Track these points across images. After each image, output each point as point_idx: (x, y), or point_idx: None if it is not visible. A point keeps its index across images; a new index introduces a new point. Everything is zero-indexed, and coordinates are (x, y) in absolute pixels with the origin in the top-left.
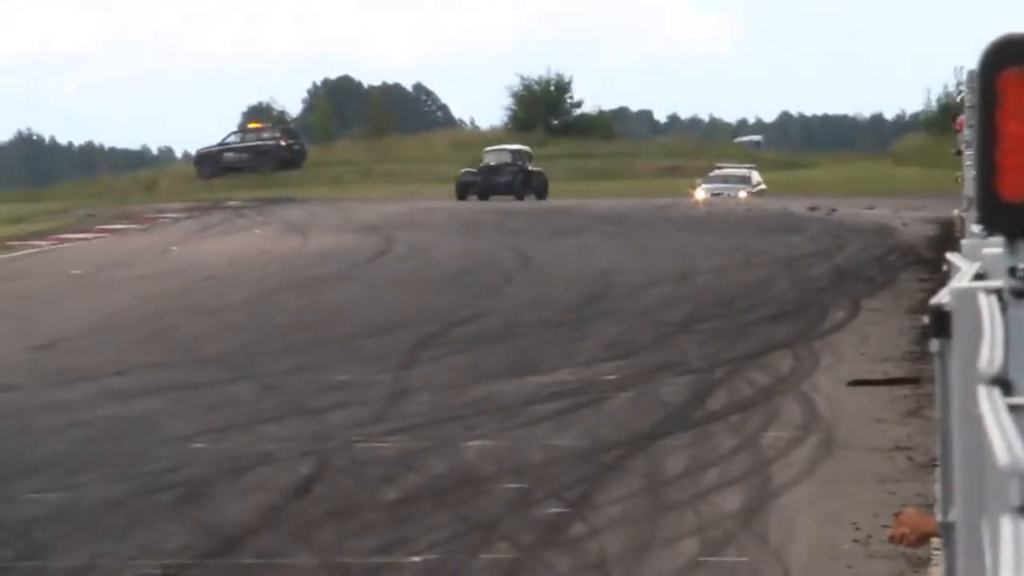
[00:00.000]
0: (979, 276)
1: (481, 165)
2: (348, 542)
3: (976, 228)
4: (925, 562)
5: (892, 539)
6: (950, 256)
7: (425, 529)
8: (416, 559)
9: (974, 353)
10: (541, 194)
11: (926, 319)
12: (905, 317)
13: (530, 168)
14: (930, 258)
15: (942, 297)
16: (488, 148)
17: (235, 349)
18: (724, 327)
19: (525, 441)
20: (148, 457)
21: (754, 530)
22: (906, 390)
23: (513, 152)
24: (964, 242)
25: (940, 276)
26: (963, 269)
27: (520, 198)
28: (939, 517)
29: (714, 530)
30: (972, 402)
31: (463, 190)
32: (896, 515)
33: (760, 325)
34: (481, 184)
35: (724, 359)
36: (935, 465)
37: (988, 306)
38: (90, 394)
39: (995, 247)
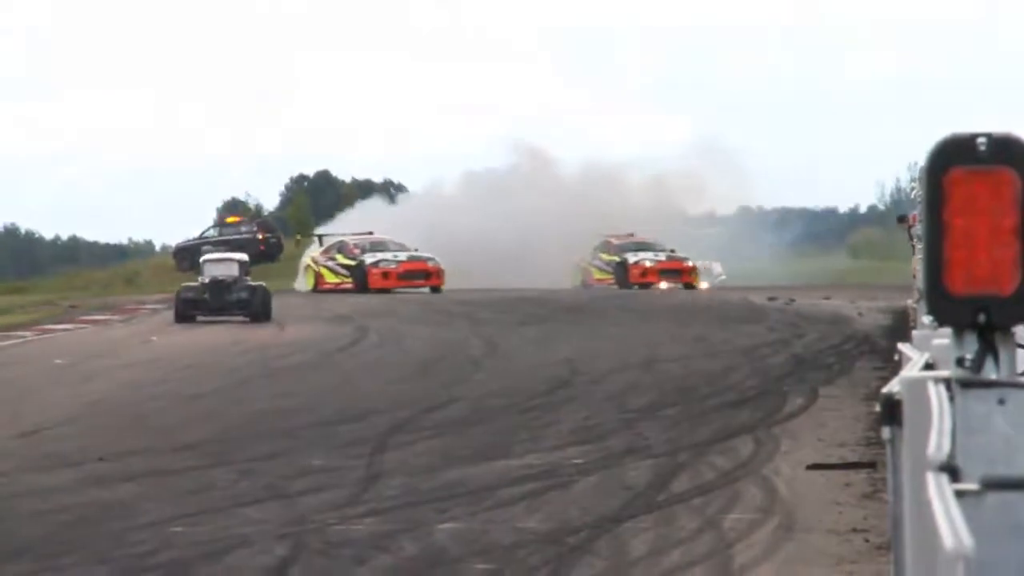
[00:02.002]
0: (928, 366)
1: (204, 280)
2: None
3: (926, 319)
4: None
5: None
6: (901, 346)
7: None
8: None
9: (923, 440)
10: (269, 312)
11: (878, 407)
12: (861, 404)
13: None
14: (885, 347)
15: (893, 386)
16: (207, 258)
17: (212, 436)
18: (687, 413)
19: (494, 523)
20: (128, 541)
21: None
22: (862, 474)
23: (240, 263)
24: (914, 333)
25: (894, 365)
26: (913, 359)
27: (257, 319)
28: None
29: None
30: (921, 487)
31: (185, 309)
32: None
33: (722, 411)
34: (210, 304)
35: (687, 444)
36: (889, 547)
37: (937, 395)
38: (72, 479)
39: (943, 338)
